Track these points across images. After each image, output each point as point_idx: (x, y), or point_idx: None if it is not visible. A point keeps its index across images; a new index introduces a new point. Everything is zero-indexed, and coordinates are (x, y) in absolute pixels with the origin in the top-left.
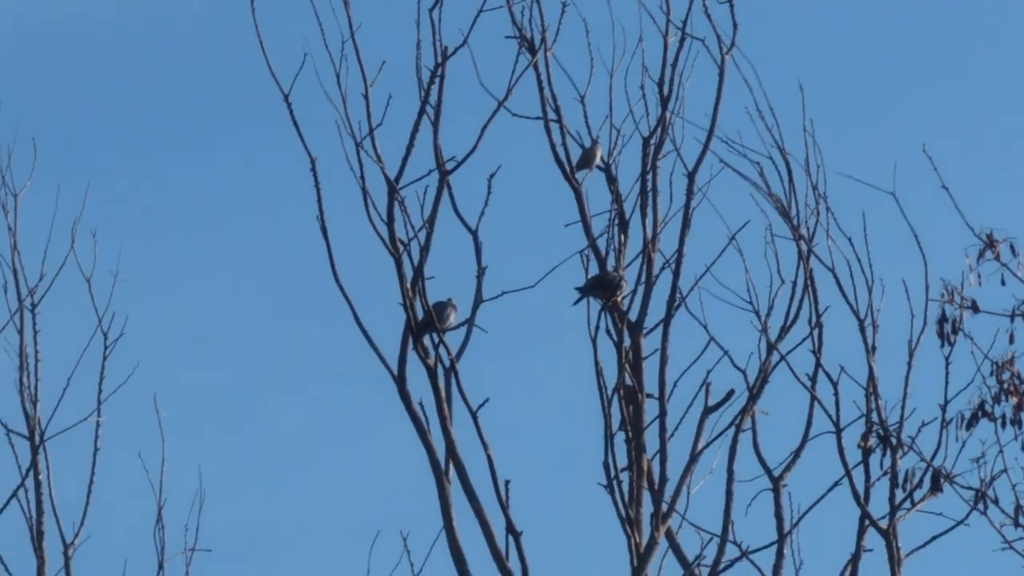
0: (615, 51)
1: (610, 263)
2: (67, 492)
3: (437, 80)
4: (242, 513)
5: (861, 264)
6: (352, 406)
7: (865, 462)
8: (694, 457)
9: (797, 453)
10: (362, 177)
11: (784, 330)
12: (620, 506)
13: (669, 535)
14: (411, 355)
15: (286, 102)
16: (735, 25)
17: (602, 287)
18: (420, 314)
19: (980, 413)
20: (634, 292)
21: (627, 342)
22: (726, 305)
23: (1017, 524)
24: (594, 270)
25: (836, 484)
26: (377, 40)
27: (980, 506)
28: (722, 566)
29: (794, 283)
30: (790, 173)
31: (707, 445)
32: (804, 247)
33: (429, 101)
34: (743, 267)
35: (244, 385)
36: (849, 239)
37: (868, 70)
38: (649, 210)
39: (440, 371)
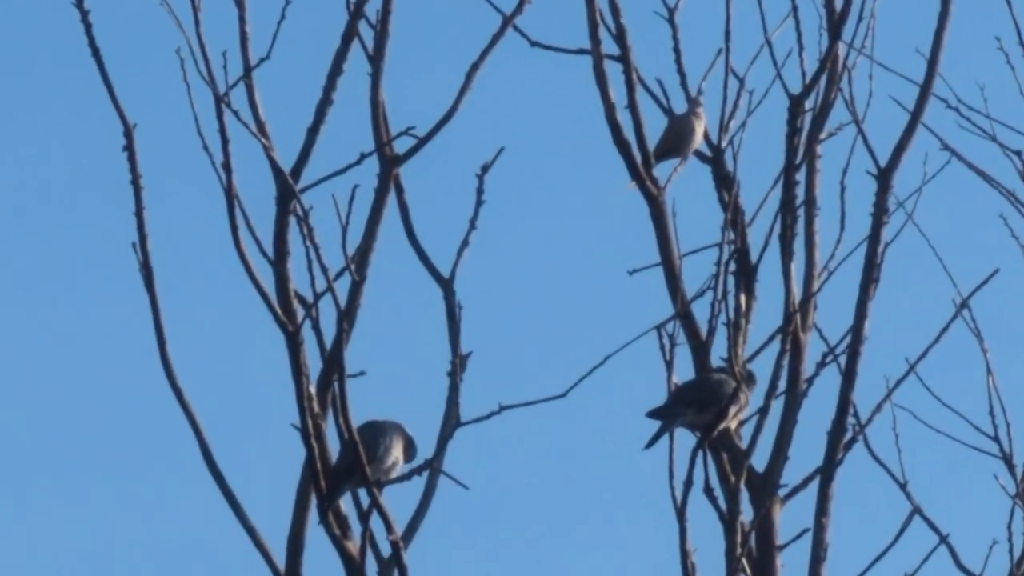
0: None
1: (717, 353)
2: None
3: None
4: None
5: None
6: None
7: None
8: None
9: None
10: (226, 166)
11: None
12: None
13: None
14: (315, 532)
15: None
16: None
17: (699, 404)
18: (335, 448)
19: None
20: (763, 411)
21: (747, 514)
22: (947, 441)
23: None
24: (686, 369)
25: None
26: None
27: None
28: None
29: None
30: None
31: None
32: None
33: (363, 12)
34: (981, 361)
35: None
36: None
37: None
38: (799, 243)
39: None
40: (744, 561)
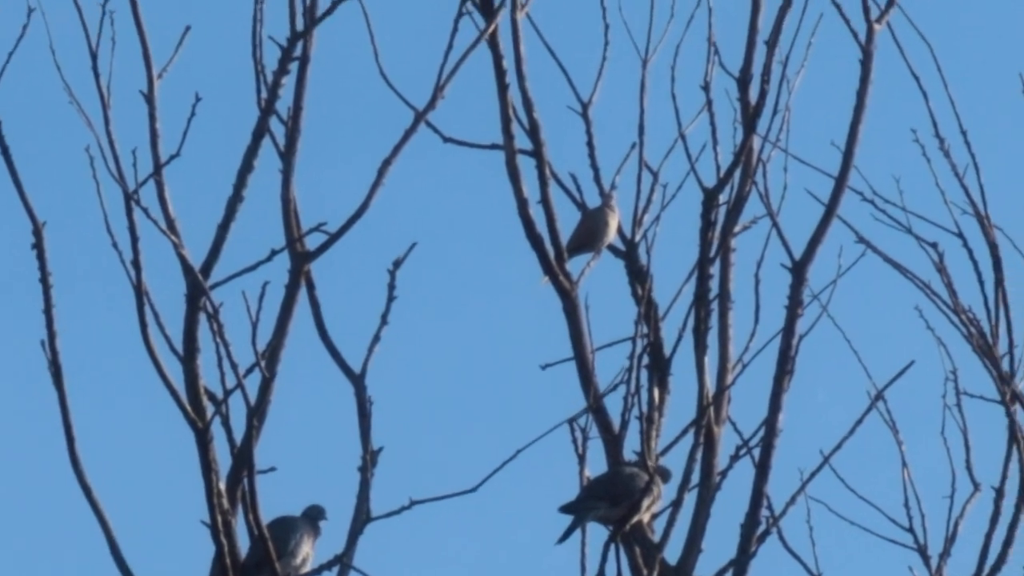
0: (652, 16)
1: (630, 446)
2: None
3: (294, 65)
4: None
5: None
6: None
7: None
8: None
9: None
10: (135, 263)
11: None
12: None
13: None
14: None
15: None
16: None
17: (612, 498)
18: (245, 544)
19: None
20: (676, 504)
21: None
22: (862, 533)
23: None
24: (599, 462)
25: None
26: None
27: None
28: None
29: (998, 488)
30: (999, 269)
31: None
32: None
33: (275, 108)
34: (896, 452)
35: None
36: None
37: None
38: (712, 336)
39: None
40: None
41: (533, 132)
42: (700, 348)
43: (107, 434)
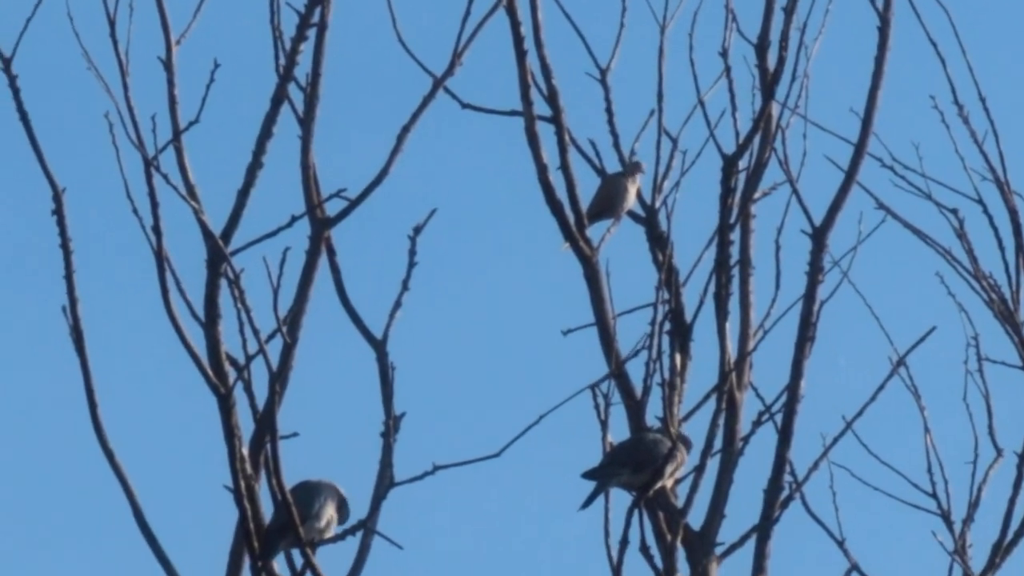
0: None
1: (652, 412)
2: None
3: (311, 31)
4: None
5: None
6: None
7: None
8: None
9: None
10: (156, 229)
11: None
12: None
13: None
14: None
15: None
16: None
17: (635, 464)
18: (268, 509)
19: None
20: (699, 470)
21: (684, 573)
22: (885, 498)
23: None
24: (621, 428)
25: None
26: None
27: None
28: None
29: (1021, 453)
30: (1019, 235)
31: None
32: None
33: (293, 75)
34: (919, 418)
35: None
36: None
37: None
38: (734, 302)
39: None
40: None
41: (552, 98)
42: (721, 314)
43: (130, 400)
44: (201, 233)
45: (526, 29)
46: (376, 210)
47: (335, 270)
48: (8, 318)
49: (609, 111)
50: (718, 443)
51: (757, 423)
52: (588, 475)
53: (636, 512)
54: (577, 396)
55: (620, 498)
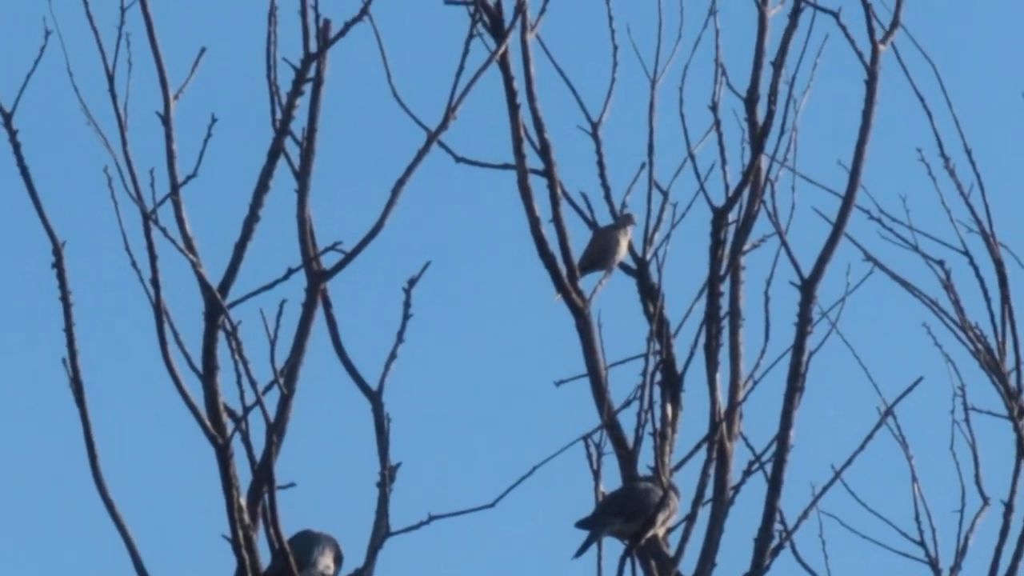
0: (660, 37)
1: (644, 462)
2: None
3: (307, 86)
4: None
5: None
6: None
7: None
8: None
9: None
10: (154, 282)
11: None
12: None
13: None
14: None
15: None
16: None
17: (627, 513)
18: (266, 558)
19: None
20: (690, 518)
21: None
22: (874, 547)
23: None
24: (613, 478)
25: None
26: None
27: None
28: None
29: (1007, 502)
30: (1005, 286)
31: None
32: None
33: (289, 129)
34: (907, 467)
35: None
36: None
37: None
38: (724, 353)
39: None
40: None
41: (544, 152)
42: (712, 365)
43: (129, 451)
44: (199, 286)
45: (519, 83)
46: (371, 263)
47: (331, 322)
48: (9, 370)
49: (601, 164)
50: (709, 492)
51: (747, 472)
52: (581, 524)
53: (628, 561)
54: (570, 447)
55: (613, 547)
